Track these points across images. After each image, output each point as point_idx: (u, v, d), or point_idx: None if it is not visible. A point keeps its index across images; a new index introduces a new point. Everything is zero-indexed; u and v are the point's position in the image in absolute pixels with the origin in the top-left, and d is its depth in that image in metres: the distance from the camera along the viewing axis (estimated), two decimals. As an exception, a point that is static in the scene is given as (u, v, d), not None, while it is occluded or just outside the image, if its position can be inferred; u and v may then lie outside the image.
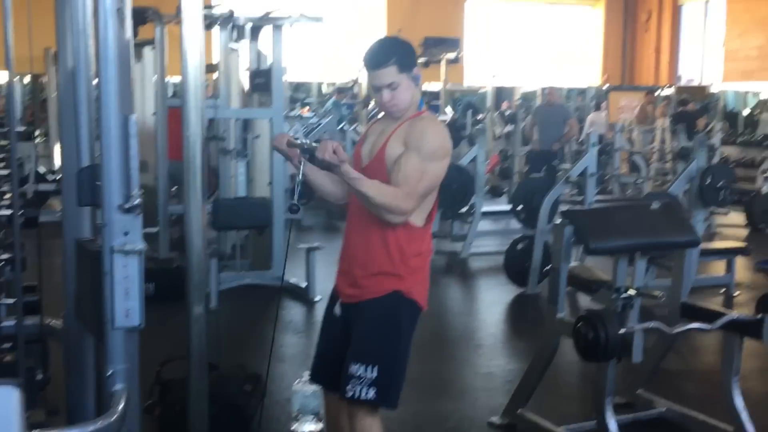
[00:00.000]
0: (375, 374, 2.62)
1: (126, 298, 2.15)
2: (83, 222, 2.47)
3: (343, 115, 13.09)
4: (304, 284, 6.12)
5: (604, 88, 17.90)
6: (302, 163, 2.51)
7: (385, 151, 2.63)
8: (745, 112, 16.68)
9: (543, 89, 13.22)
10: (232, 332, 5.40)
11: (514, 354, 4.92)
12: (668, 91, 17.01)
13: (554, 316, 3.46)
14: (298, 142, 2.54)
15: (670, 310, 3.66)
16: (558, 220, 3.53)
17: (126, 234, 2.12)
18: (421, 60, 12.66)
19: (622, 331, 3.06)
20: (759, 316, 3.29)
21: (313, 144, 2.50)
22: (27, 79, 14.37)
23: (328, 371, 2.81)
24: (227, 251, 6.82)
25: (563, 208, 7.21)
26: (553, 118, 10.30)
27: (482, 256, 7.87)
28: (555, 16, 18.88)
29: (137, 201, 2.13)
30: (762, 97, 16.63)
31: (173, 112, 7.87)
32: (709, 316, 3.47)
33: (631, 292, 3.45)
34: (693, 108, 12.54)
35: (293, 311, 5.79)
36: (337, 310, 2.80)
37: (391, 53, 2.61)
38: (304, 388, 3.66)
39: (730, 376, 3.43)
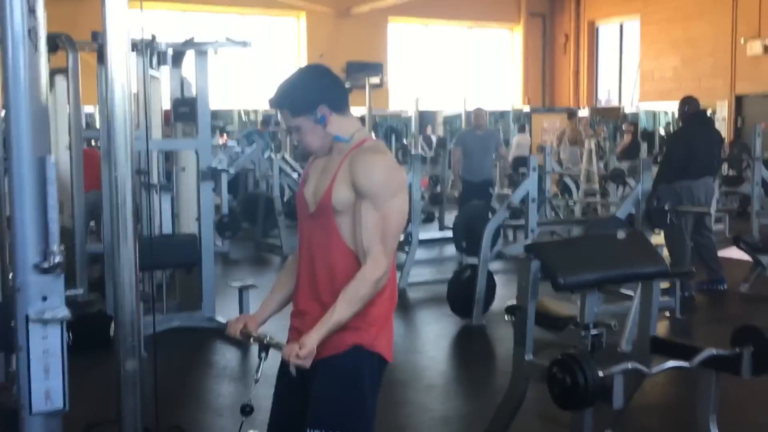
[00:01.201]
0: None
1: (46, 377, 1.77)
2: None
3: (267, 143, 12.74)
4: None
5: (526, 110, 18.06)
6: (261, 361, 2.35)
7: (331, 197, 2.34)
8: (662, 131, 17.03)
9: (468, 113, 13.07)
10: (165, 385, 4.98)
11: (468, 394, 4.65)
12: (584, 113, 17.29)
13: (522, 359, 3.20)
14: (255, 335, 2.35)
15: (638, 345, 3.45)
16: (517, 257, 3.28)
17: (45, 299, 1.76)
18: (347, 85, 12.44)
19: (600, 374, 2.81)
20: (737, 350, 3.10)
21: (272, 341, 2.32)
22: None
23: (285, 440, 2.48)
24: (152, 292, 6.37)
25: (503, 235, 7.04)
26: (481, 145, 9.17)
27: (420, 285, 7.62)
28: (475, 40, 19.00)
29: (57, 258, 1.77)
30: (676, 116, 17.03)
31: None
32: (683, 351, 3.25)
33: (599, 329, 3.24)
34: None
35: (228, 356, 5.40)
36: (292, 369, 2.47)
37: (283, 97, 2.41)
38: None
39: (707, 413, 3.22)
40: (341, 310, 2.27)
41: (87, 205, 7.26)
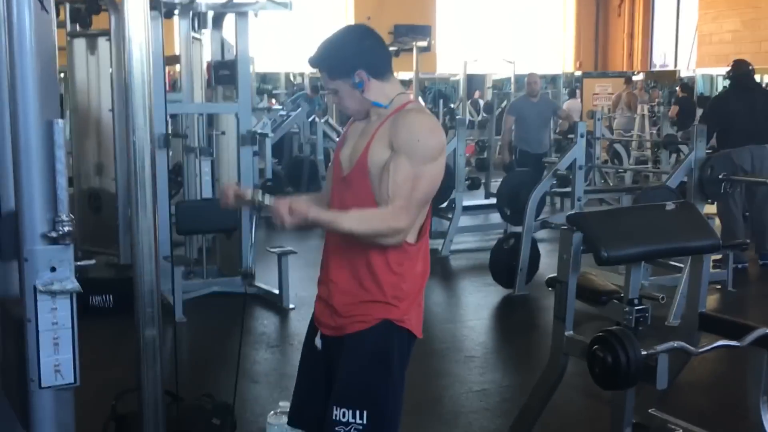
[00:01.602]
0: (364, 420, 2.21)
1: (55, 351, 1.70)
2: (9, 276, 1.93)
3: (319, 106, 12.61)
4: (276, 291, 5.68)
5: (577, 74, 17.64)
6: (253, 221, 2.23)
7: (367, 157, 2.21)
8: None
9: (521, 77, 12.74)
10: (200, 349, 4.98)
11: (508, 367, 4.54)
12: (639, 77, 16.81)
13: (562, 335, 3.06)
14: (248, 197, 2.21)
15: (686, 321, 3.29)
16: (561, 226, 3.13)
17: (53, 270, 1.68)
18: (391, 48, 12.23)
19: (644, 353, 2.67)
20: (792, 329, 2.92)
21: (265, 200, 2.16)
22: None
23: (310, 414, 2.39)
24: (192, 257, 6.36)
25: (549, 202, 6.86)
26: (536, 113, 8.37)
27: (463, 253, 7.50)
28: (526, 2, 18.54)
29: (67, 228, 1.68)
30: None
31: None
32: (734, 329, 3.09)
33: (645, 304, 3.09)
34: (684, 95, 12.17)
35: (266, 322, 5.36)
36: (318, 342, 2.38)
37: (321, 58, 2.29)
38: (280, 422, 3.25)
39: (759, 395, 3.06)
40: (347, 218, 2.16)
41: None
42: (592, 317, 4.50)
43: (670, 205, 3.18)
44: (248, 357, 4.71)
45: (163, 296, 5.59)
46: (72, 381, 1.75)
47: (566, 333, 3.06)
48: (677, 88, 15.00)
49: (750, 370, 3.11)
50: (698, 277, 3.26)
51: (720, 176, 5.04)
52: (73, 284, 1.70)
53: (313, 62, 2.30)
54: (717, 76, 16.76)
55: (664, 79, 17.43)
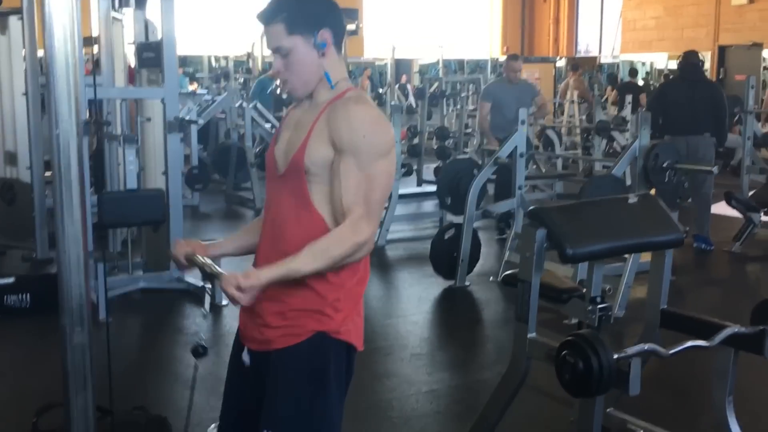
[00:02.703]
0: None
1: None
2: None
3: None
4: (208, 286, 5.37)
5: (503, 59, 17.65)
6: (207, 292, 2.02)
7: (304, 155, 1.94)
8: (640, 83, 16.74)
9: (450, 62, 12.57)
10: (128, 353, 4.64)
11: (456, 365, 4.36)
12: (561, 63, 16.90)
13: (525, 337, 2.89)
14: (200, 261, 2.02)
15: (648, 318, 3.16)
16: (520, 221, 2.95)
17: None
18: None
19: (615, 356, 2.52)
20: (760, 328, 2.82)
21: (215, 269, 1.97)
22: None
23: (238, 437, 2.13)
24: (116, 250, 6.00)
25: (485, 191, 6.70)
26: (514, 98, 7.25)
27: (399, 243, 7.32)
28: (454, -14, 18.44)
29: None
30: (658, 67, 16.69)
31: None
32: (699, 327, 2.98)
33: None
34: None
35: (197, 320, 5.05)
36: (245, 358, 2.09)
37: (281, 6, 1.95)
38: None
39: (725, 395, 2.96)
40: (303, 261, 1.88)
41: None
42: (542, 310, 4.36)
43: (632, 198, 3.06)
44: (180, 359, 4.42)
45: (86, 294, 5.30)
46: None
47: (529, 335, 2.89)
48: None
49: (716, 368, 3.00)
50: (660, 272, 3.14)
51: (664, 164, 4.97)
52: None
53: (270, 11, 1.95)
54: (637, 62, 17.01)
55: (585, 65, 17.59)
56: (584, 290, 3.12)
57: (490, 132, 7.43)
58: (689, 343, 2.80)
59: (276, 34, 1.94)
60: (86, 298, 1.93)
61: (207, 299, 1.74)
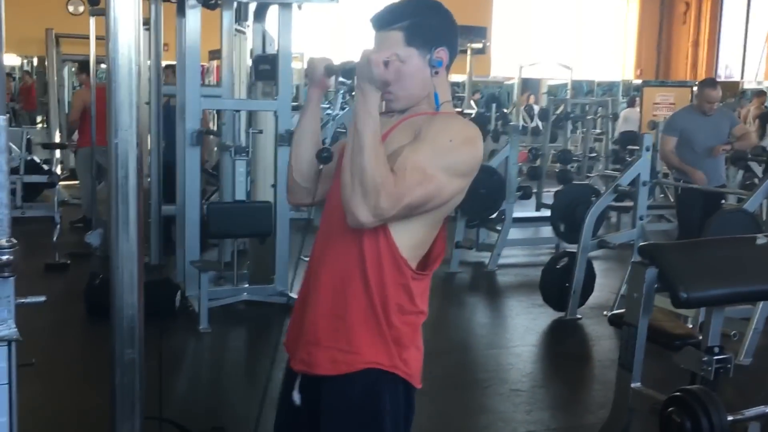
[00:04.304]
0: None
1: (-13, 414, 1.32)
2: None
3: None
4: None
5: (637, 82, 16.98)
6: (341, 83, 1.86)
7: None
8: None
9: (580, 83, 12.10)
10: (222, 366, 4.61)
11: (558, 405, 4.07)
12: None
13: (628, 386, 2.61)
14: (336, 65, 1.84)
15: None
16: (633, 258, 2.68)
17: (-14, 311, 1.30)
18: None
19: (730, 418, 2.22)
20: None
21: (351, 62, 1.76)
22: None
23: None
24: (224, 260, 6.02)
25: (606, 218, 6.36)
26: (710, 133, 5.86)
27: (511, 268, 7.04)
28: (587, 6, 17.90)
29: (6, 256, 1.30)
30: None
31: (100, 90, 7.34)
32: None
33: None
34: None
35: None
36: (296, 397, 1.86)
37: (403, 14, 1.79)
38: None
39: None
40: (374, 137, 1.66)
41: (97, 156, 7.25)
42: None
43: (761, 239, 2.71)
44: (272, 379, 4.32)
45: (189, 302, 5.33)
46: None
47: (633, 385, 2.61)
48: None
49: None
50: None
51: (803, 201, 4.52)
52: (9, 330, 1.31)
53: (387, 18, 1.81)
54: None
55: (726, 91, 16.67)
56: (700, 337, 2.83)
57: (682, 162, 5.92)
58: (821, 408, 2.46)
59: (391, 41, 1.79)
60: (139, 317, 1.82)
61: (340, 94, 1.60)
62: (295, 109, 5.94)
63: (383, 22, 1.81)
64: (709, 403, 2.21)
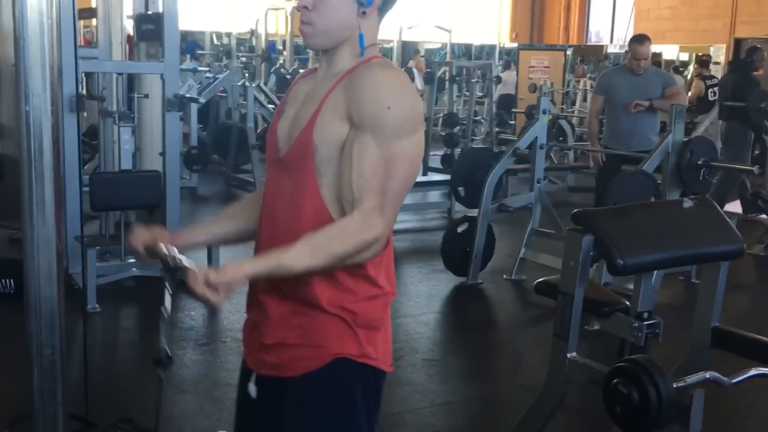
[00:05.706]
0: None
1: None
2: None
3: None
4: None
5: (511, 46, 17.25)
6: (167, 290, 1.63)
7: (312, 132, 1.58)
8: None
9: (458, 46, 12.13)
10: (115, 349, 4.32)
11: (471, 372, 4.02)
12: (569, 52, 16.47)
13: (564, 356, 2.55)
14: (163, 251, 1.61)
15: (697, 337, 2.82)
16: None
17: None
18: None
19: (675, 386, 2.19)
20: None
21: (181, 262, 1.57)
22: None
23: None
24: (108, 234, 5.64)
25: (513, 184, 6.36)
26: (638, 92, 5.64)
27: (405, 234, 6.96)
28: (463, -30, 17.98)
29: None
30: (666, 58, 16.28)
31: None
32: (755, 348, 2.66)
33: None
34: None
35: (193, 314, 4.71)
36: (252, 390, 1.73)
37: None
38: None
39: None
40: (298, 255, 1.51)
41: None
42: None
43: (687, 203, 2.70)
44: (174, 359, 4.07)
45: (73, 280, 4.95)
46: None
47: (569, 355, 2.55)
48: (693, 66, 14.46)
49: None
50: (714, 286, 2.80)
51: (699, 162, 4.62)
52: None
53: None
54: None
55: (591, 55, 17.18)
56: (628, 303, 2.81)
57: (597, 137, 6.06)
58: (754, 372, 2.48)
59: None
60: (58, 310, 1.57)
61: (167, 298, 1.35)
62: (183, 71, 5.59)
63: None
64: (655, 373, 2.16)
